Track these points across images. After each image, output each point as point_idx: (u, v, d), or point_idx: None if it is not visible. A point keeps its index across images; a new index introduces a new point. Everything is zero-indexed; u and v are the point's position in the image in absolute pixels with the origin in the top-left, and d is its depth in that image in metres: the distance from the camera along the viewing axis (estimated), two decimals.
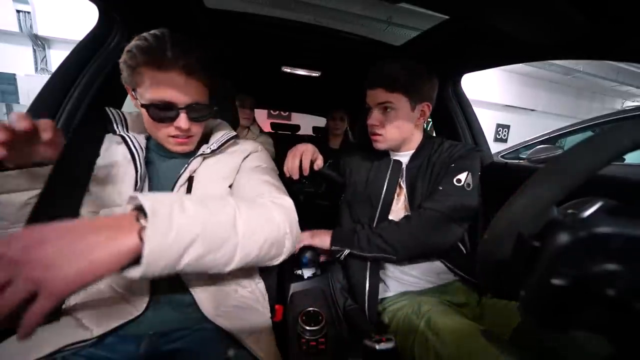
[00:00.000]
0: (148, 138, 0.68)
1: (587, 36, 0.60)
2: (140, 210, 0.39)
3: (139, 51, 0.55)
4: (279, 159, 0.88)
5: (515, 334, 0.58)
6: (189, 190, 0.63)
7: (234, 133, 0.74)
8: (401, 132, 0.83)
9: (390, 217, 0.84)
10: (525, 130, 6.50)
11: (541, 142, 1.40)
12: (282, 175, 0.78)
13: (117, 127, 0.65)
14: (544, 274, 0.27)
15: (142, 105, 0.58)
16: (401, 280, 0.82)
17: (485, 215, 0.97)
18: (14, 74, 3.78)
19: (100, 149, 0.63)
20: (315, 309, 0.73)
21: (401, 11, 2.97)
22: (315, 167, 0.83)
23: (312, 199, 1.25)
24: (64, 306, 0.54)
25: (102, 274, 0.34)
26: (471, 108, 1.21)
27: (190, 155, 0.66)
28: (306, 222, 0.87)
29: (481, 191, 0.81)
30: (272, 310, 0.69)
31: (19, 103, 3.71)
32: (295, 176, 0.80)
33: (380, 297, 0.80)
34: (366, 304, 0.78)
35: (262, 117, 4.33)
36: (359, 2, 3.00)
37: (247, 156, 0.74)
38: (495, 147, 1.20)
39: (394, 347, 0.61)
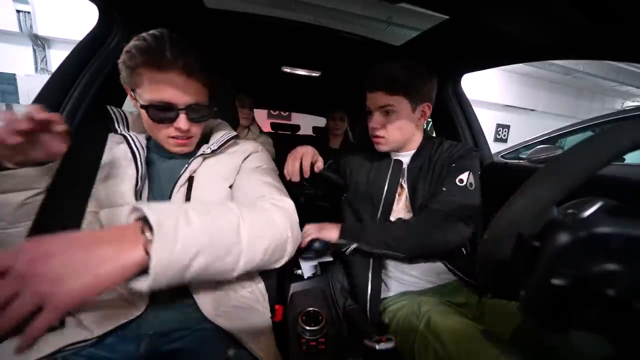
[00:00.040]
0: (148, 138, 0.68)
1: (587, 36, 0.60)
2: (144, 221, 0.39)
3: (138, 51, 0.55)
4: (279, 159, 0.88)
5: (515, 334, 0.58)
6: (189, 190, 0.63)
7: (234, 133, 0.74)
8: (403, 133, 0.83)
9: (391, 218, 0.84)
10: (525, 130, 6.49)
11: (541, 142, 1.39)
12: (282, 177, 0.78)
13: (119, 126, 0.65)
14: (544, 274, 0.27)
15: (142, 106, 0.58)
16: (401, 280, 0.82)
17: (485, 215, 0.97)
18: (14, 74, 3.77)
19: (104, 147, 0.63)
20: (315, 309, 0.73)
21: (401, 11, 2.96)
22: (316, 169, 0.83)
23: (313, 201, 1.25)
24: None
25: (107, 287, 0.34)
26: (471, 108, 1.21)
27: (190, 155, 0.66)
28: (307, 224, 0.87)
29: (481, 191, 0.81)
30: (272, 310, 0.69)
31: (19, 103, 3.70)
32: (296, 179, 0.80)
33: (380, 297, 0.80)
34: (368, 305, 0.78)
35: (262, 117, 4.32)
36: (359, 2, 2.99)
37: (247, 156, 0.73)
38: (495, 147, 1.19)
39: (394, 347, 0.61)
